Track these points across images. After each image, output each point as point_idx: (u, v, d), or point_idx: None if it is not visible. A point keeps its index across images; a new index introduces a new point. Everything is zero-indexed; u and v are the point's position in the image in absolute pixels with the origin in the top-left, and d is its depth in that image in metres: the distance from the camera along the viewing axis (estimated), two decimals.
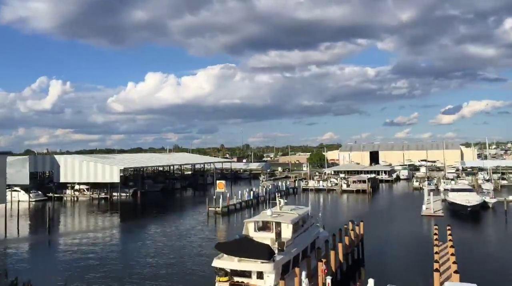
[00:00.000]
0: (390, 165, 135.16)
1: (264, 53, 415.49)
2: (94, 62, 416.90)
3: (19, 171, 75.20)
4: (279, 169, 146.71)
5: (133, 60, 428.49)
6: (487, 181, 79.41)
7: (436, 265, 21.74)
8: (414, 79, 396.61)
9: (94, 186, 78.43)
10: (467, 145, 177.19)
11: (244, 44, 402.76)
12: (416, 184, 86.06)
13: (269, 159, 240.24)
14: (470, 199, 50.80)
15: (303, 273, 20.29)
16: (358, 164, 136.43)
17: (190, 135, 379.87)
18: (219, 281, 20.62)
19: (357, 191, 78.74)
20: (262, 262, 20.16)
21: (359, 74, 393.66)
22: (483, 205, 53.62)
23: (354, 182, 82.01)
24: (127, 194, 79.23)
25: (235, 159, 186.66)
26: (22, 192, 72.75)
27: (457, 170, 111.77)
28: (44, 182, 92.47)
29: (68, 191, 79.36)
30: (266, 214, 25.06)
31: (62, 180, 79.08)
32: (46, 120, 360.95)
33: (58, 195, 78.14)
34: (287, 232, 23.51)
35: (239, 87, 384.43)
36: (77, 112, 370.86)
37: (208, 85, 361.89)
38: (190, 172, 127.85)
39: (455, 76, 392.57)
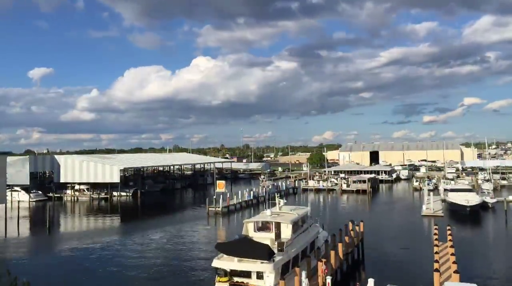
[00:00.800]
0: (390, 165, 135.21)
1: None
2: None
3: (19, 171, 75.25)
4: (279, 169, 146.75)
5: None
6: (487, 181, 79.42)
7: (436, 265, 21.75)
8: (410, 69, 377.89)
9: (94, 186, 78.45)
10: (467, 145, 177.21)
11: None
12: (416, 184, 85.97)
13: (269, 159, 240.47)
14: (469, 199, 50.79)
15: (303, 273, 20.31)
16: (358, 164, 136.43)
17: (181, 134, 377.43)
18: (219, 281, 20.64)
19: (357, 191, 78.70)
20: (262, 262, 20.19)
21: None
22: (483, 205, 53.62)
23: (354, 182, 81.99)
24: (127, 194, 79.24)
25: (235, 159, 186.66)
26: (23, 192, 72.81)
27: (457, 170, 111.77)
28: (44, 182, 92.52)
29: (68, 191, 79.34)
30: (266, 214, 25.08)
31: (62, 180, 79.08)
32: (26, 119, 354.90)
33: (58, 195, 78.12)
34: (286, 232, 23.52)
35: (225, 83, 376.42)
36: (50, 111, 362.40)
37: (194, 81, 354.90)
38: (190, 172, 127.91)
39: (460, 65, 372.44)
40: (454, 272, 20.48)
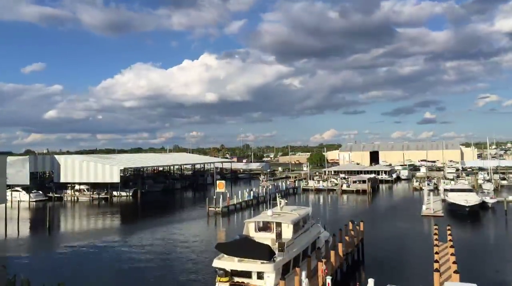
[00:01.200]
0: (390, 165, 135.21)
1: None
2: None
3: (19, 171, 75.24)
4: (279, 169, 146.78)
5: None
6: (487, 181, 79.46)
7: (436, 265, 21.78)
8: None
9: (94, 186, 78.49)
10: (467, 145, 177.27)
11: None
12: (416, 184, 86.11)
13: (269, 159, 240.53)
14: (469, 199, 50.82)
15: (303, 273, 20.33)
16: (358, 164, 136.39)
17: (178, 133, 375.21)
18: (220, 281, 20.66)
19: (357, 191, 78.72)
20: (262, 263, 20.21)
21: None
22: (483, 205, 53.65)
23: (354, 182, 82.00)
24: (127, 194, 79.28)
25: (235, 159, 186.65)
26: (23, 192, 72.88)
27: (457, 170, 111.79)
28: (44, 182, 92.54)
29: (69, 191, 79.42)
30: (267, 214, 25.10)
31: (62, 180, 79.09)
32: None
33: (59, 195, 78.15)
34: (287, 232, 23.53)
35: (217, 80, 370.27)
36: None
37: (187, 79, 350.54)
38: (190, 172, 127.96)
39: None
40: (454, 272, 20.51)
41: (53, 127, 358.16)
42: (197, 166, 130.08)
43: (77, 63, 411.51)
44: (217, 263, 21.04)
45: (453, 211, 51.98)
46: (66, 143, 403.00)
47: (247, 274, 20.56)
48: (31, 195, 73.07)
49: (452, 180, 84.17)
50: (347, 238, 28.46)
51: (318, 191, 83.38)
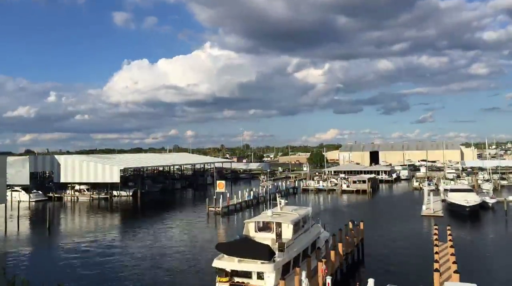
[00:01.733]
0: (390, 165, 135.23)
1: None
2: None
3: (19, 171, 75.34)
4: (279, 169, 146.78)
5: None
6: (487, 181, 79.48)
7: (436, 265, 21.79)
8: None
9: (94, 186, 78.49)
10: (467, 145, 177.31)
11: None
12: (416, 184, 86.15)
13: (269, 159, 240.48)
14: (469, 199, 50.88)
15: (303, 273, 20.33)
16: (358, 164, 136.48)
17: (176, 132, 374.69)
18: (220, 281, 20.65)
19: (357, 191, 78.74)
20: (263, 263, 20.20)
21: None
22: (483, 205, 53.69)
23: (354, 182, 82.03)
24: (127, 194, 79.28)
25: (235, 159, 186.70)
26: (23, 192, 72.88)
27: (457, 170, 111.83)
28: (44, 182, 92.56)
29: (68, 191, 79.44)
30: (267, 214, 25.10)
31: (62, 180, 79.09)
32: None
33: (58, 195, 78.18)
34: (287, 233, 23.53)
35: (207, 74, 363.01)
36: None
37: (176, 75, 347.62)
38: (190, 172, 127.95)
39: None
40: (454, 272, 20.52)
41: (40, 126, 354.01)
42: (197, 166, 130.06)
43: (69, 60, 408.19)
44: (217, 263, 21.03)
45: (453, 211, 52.00)
46: (58, 143, 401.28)
47: (247, 274, 20.56)
48: (31, 195, 73.04)
49: (452, 180, 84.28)
50: (347, 238, 28.47)
51: (318, 191, 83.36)
